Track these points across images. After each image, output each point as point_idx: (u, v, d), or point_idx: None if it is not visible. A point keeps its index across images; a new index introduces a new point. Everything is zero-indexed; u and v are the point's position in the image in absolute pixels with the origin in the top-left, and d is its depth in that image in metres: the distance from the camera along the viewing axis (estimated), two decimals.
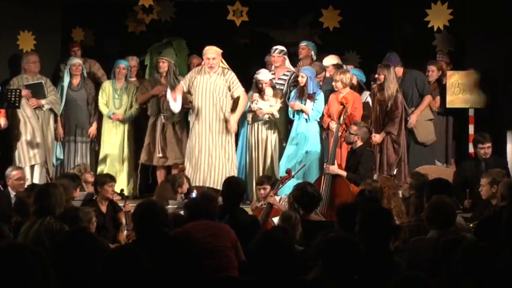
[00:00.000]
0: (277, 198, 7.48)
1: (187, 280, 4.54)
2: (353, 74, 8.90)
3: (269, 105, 9.13)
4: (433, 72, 9.42)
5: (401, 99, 8.53)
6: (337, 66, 9.34)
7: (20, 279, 2.95)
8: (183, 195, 8.05)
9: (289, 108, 9.09)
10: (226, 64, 8.94)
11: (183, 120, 9.55)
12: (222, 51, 8.91)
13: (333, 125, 8.45)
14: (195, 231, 5.22)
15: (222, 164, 8.79)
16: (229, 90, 8.84)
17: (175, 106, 8.82)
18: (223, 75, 8.84)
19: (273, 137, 9.23)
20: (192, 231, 5.22)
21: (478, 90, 9.17)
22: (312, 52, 9.82)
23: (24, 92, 9.26)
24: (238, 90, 8.85)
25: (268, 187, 7.57)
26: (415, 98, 8.98)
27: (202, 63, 8.98)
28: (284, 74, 9.53)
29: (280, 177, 7.90)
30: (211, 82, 8.81)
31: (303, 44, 9.91)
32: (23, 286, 2.96)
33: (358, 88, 9.08)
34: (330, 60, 9.51)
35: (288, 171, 7.74)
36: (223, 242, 5.24)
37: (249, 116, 9.20)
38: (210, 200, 5.70)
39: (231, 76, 8.87)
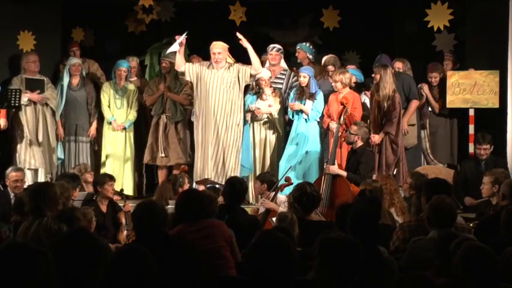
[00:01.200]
0: (281, 197, 7.48)
1: (187, 280, 4.54)
2: (352, 74, 8.89)
3: (268, 104, 9.12)
4: (435, 78, 9.42)
5: (399, 100, 8.50)
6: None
7: (26, 277, 2.96)
8: None
9: (289, 109, 9.08)
10: (233, 59, 8.91)
11: (185, 120, 9.56)
12: (228, 46, 8.89)
13: (333, 125, 8.44)
14: (189, 233, 5.09)
15: (227, 157, 8.76)
16: (239, 77, 8.78)
17: (173, 47, 8.78)
18: (230, 68, 8.82)
19: (272, 137, 9.21)
20: (186, 233, 5.09)
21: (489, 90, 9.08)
22: (308, 54, 9.76)
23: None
24: (248, 67, 8.80)
25: (264, 185, 7.57)
26: (402, 101, 8.94)
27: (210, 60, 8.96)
28: (281, 73, 9.51)
29: (281, 184, 7.88)
30: (219, 76, 8.79)
31: (297, 47, 9.87)
32: (28, 285, 2.97)
33: (357, 89, 9.08)
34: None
35: (287, 179, 7.74)
36: (218, 241, 5.16)
37: (248, 116, 9.18)
38: (195, 199, 5.36)
39: (237, 64, 8.83)
